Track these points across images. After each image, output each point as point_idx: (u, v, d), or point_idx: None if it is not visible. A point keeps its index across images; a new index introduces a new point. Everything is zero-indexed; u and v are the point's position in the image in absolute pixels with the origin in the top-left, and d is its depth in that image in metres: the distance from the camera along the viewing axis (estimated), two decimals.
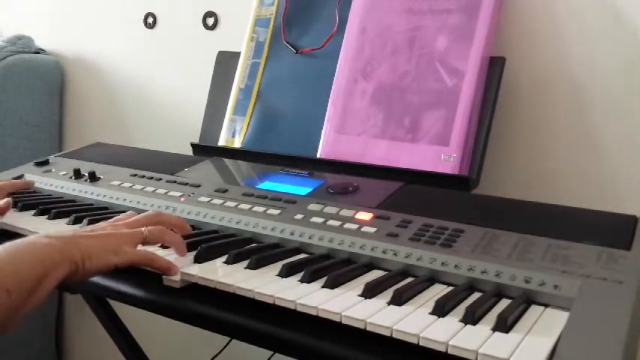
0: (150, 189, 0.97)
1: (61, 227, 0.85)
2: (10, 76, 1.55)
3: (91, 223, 0.81)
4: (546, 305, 0.60)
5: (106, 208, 0.95)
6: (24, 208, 0.94)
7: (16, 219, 0.88)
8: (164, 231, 0.71)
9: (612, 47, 0.94)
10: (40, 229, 0.81)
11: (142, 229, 0.70)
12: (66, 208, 0.94)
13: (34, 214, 0.91)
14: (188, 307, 0.64)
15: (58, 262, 0.60)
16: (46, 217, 0.90)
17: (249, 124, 1.13)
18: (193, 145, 1.16)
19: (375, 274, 0.68)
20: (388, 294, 0.60)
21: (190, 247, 0.72)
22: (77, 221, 0.86)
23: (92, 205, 0.98)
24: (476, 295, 0.61)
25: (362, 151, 0.99)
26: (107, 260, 0.64)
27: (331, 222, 0.77)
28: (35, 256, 0.59)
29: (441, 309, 0.56)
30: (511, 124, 1.02)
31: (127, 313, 1.24)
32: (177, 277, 0.66)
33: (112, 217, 0.78)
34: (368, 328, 0.53)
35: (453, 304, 0.58)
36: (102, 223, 0.73)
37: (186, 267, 0.67)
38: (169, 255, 0.70)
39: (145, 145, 1.34)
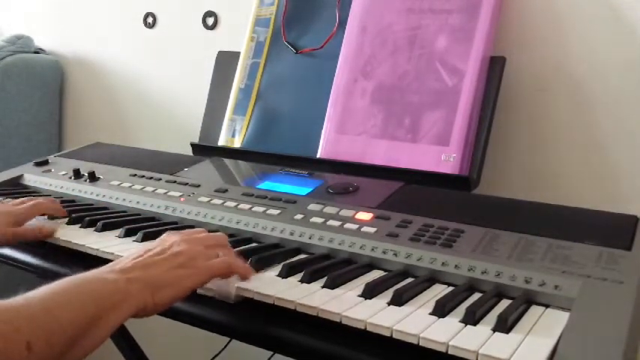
0: (149, 189, 0.96)
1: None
2: (9, 76, 1.55)
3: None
4: (547, 305, 0.60)
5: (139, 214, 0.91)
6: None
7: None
8: (237, 258, 0.65)
9: (612, 46, 0.94)
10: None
11: (219, 251, 0.64)
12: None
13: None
14: (188, 307, 0.64)
15: (119, 302, 0.53)
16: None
17: (249, 124, 1.13)
18: (193, 145, 1.16)
19: (375, 275, 0.68)
20: (388, 294, 0.59)
21: None
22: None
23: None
24: (476, 296, 0.61)
25: (362, 151, 0.99)
26: (180, 288, 0.58)
27: (331, 222, 0.77)
28: (88, 296, 0.52)
29: (442, 309, 0.56)
30: (511, 123, 1.01)
31: None
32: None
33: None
34: (368, 329, 0.53)
35: (453, 304, 0.58)
36: (174, 237, 0.64)
37: None
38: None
39: (145, 145, 1.34)
